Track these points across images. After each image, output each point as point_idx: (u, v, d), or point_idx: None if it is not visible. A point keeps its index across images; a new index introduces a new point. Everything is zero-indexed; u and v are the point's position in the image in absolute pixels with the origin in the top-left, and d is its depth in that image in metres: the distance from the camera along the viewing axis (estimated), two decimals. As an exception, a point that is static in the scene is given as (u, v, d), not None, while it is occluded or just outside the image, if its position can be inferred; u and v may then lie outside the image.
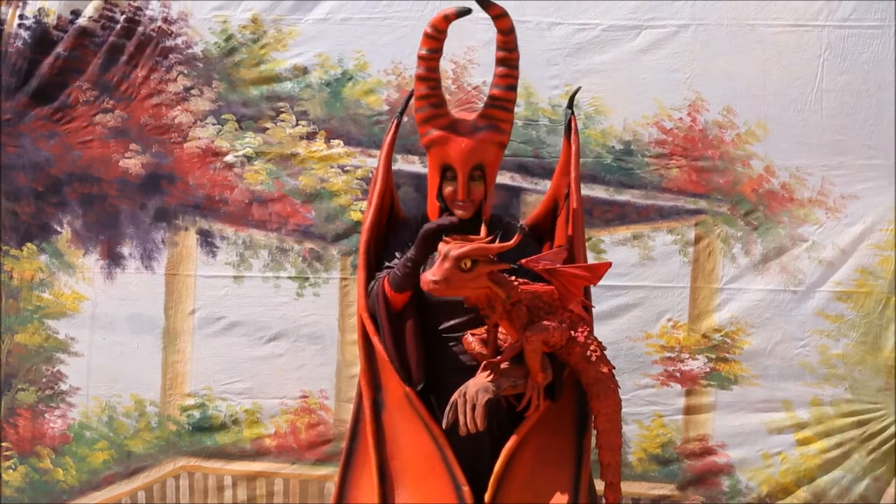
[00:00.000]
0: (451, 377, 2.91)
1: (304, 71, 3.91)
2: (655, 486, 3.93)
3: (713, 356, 3.90)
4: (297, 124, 3.92)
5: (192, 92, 3.92)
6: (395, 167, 3.21)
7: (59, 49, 3.91)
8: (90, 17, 3.91)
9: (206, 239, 3.95)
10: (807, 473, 3.90)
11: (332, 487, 3.79)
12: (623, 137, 3.88)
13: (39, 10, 3.91)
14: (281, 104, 3.92)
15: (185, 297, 3.96)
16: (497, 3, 2.85)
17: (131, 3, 3.91)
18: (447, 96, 3.82)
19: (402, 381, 2.91)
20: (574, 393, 2.98)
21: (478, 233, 2.90)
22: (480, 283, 2.70)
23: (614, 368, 2.90)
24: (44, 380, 3.98)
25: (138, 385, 3.97)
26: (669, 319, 3.90)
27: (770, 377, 3.89)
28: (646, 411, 3.91)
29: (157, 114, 3.93)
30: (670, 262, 3.90)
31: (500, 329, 2.87)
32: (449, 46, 3.74)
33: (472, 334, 2.93)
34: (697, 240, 3.90)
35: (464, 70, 3.86)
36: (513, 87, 2.93)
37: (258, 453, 3.96)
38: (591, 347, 2.85)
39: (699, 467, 3.92)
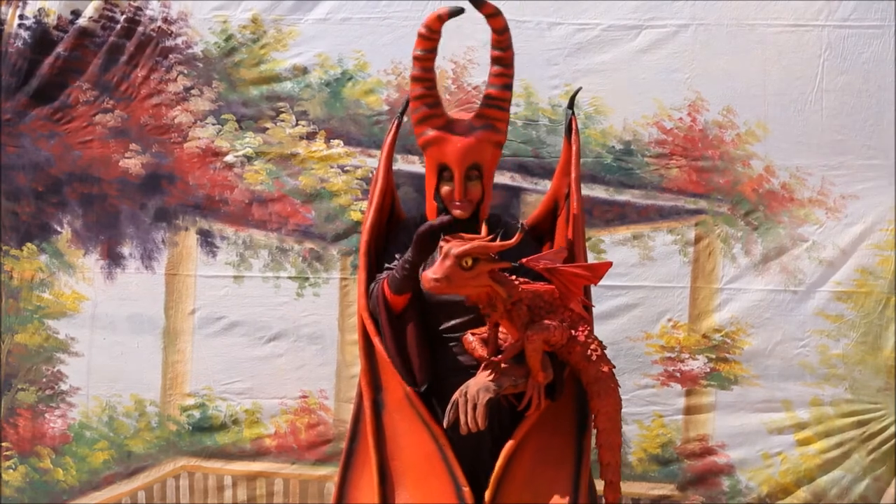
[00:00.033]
0: (452, 377, 2.91)
1: (304, 71, 3.91)
2: (655, 486, 3.93)
3: (713, 356, 3.90)
4: (297, 124, 3.92)
5: (192, 92, 3.92)
6: (395, 167, 3.21)
7: (60, 49, 3.91)
8: (90, 18, 3.91)
9: (206, 239, 3.95)
10: (807, 473, 3.90)
11: (332, 487, 3.79)
12: (623, 137, 3.88)
13: (39, 10, 3.91)
14: (281, 104, 3.92)
15: (185, 297, 3.96)
16: (490, 2, 2.85)
17: (131, 3, 3.91)
18: (447, 96, 3.85)
19: (405, 381, 2.91)
20: (574, 392, 2.98)
21: (476, 233, 2.90)
22: (481, 281, 2.70)
23: (614, 367, 2.90)
24: (44, 380, 3.98)
25: (138, 385, 3.97)
26: (669, 319, 3.90)
27: (770, 377, 3.89)
28: (646, 411, 3.91)
29: (157, 114, 3.93)
30: (670, 262, 3.90)
31: (500, 328, 2.87)
32: (449, 46, 3.77)
33: (473, 334, 2.94)
34: (697, 240, 3.90)
35: (464, 70, 3.86)
36: (508, 87, 2.93)
37: (258, 453, 3.96)
38: (592, 346, 2.85)
39: (699, 467, 3.92)
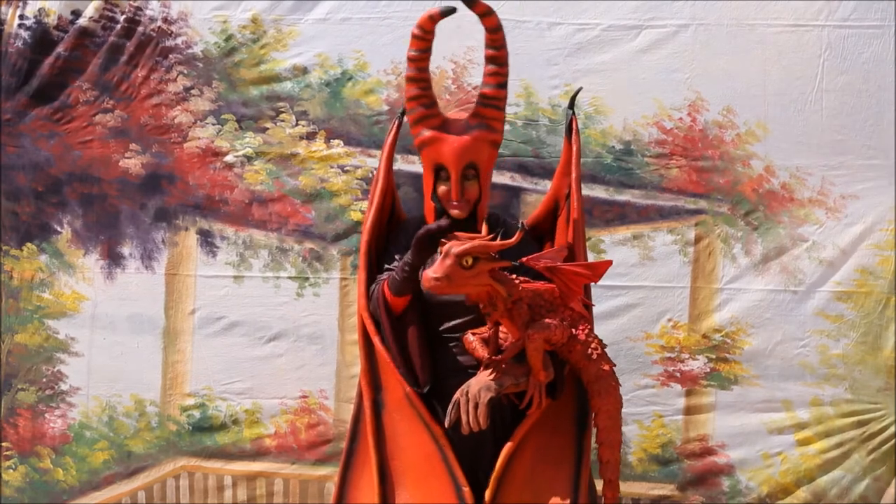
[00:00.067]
0: (452, 378, 2.91)
1: (304, 71, 3.91)
2: (655, 486, 3.93)
3: (713, 356, 3.90)
4: (296, 124, 3.92)
5: (192, 92, 3.92)
6: (395, 167, 3.21)
7: (60, 49, 3.91)
8: (90, 18, 3.91)
9: (206, 239, 3.95)
10: (807, 473, 3.90)
11: (331, 487, 3.79)
12: (623, 137, 3.88)
13: (40, 10, 3.91)
14: (281, 104, 3.92)
15: (185, 297, 3.96)
16: (487, 1, 2.86)
17: (131, 3, 3.91)
18: (447, 96, 3.85)
19: (407, 383, 2.90)
20: (574, 391, 2.98)
21: (475, 232, 2.90)
22: (482, 280, 2.70)
23: (615, 366, 2.90)
24: (44, 380, 3.98)
25: (138, 385, 3.97)
26: (669, 319, 3.90)
27: (770, 377, 3.89)
28: (646, 411, 3.91)
29: (157, 114, 3.93)
30: (670, 262, 3.90)
31: (501, 328, 2.87)
32: (449, 46, 3.77)
33: (473, 333, 2.94)
34: (697, 240, 3.90)
35: (464, 70, 3.86)
36: (503, 85, 2.93)
37: (258, 453, 3.96)
38: (592, 345, 2.85)
39: (699, 467, 3.92)
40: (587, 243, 3.36)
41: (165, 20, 3.92)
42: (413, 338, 2.94)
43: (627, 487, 3.89)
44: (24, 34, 3.91)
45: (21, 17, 3.91)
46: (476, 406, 2.78)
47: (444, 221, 2.79)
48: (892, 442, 3.87)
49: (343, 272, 3.93)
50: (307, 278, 3.93)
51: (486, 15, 2.86)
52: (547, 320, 2.77)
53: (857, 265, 3.86)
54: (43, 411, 3.99)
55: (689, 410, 3.92)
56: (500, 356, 2.83)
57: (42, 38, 3.91)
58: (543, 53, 3.87)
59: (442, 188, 2.95)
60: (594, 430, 2.93)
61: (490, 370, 2.83)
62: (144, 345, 3.97)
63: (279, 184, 3.93)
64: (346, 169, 3.92)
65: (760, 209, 3.88)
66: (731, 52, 3.85)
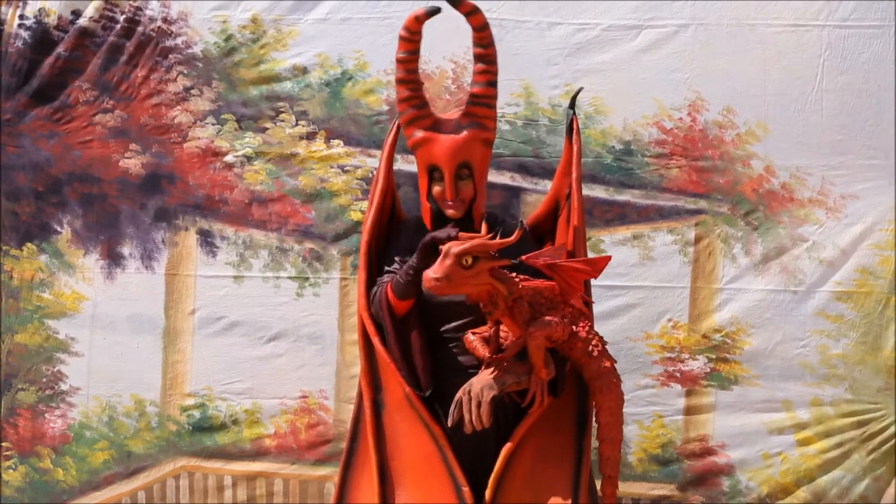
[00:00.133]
0: (452, 378, 2.91)
1: (304, 71, 3.91)
2: (655, 486, 3.93)
3: (713, 356, 3.90)
4: (296, 124, 3.92)
5: (192, 92, 3.93)
6: (395, 167, 3.21)
7: (60, 49, 3.91)
8: (90, 18, 3.91)
9: (206, 239, 3.95)
10: (807, 473, 3.90)
11: (331, 488, 3.80)
12: (623, 137, 3.88)
13: (40, 10, 3.91)
14: (281, 104, 3.92)
15: (185, 297, 3.96)
16: (480, 0, 2.86)
17: (131, 3, 3.91)
18: (447, 96, 3.85)
19: (410, 386, 2.90)
20: (574, 391, 2.98)
21: (471, 232, 2.89)
22: (482, 279, 2.70)
23: (616, 363, 2.90)
24: (44, 380, 3.98)
25: (138, 385, 3.97)
26: (669, 319, 3.90)
27: (770, 377, 3.89)
28: (646, 411, 3.91)
29: (157, 114, 3.93)
30: (670, 262, 3.90)
31: (501, 326, 2.87)
32: (448, 46, 3.77)
33: (474, 333, 2.94)
34: (697, 240, 3.90)
35: (464, 70, 3.86)
36: (493, 83, 2.93)
37: (258, 453, 3.96)
38: (593, 342, 2.85)
39: (699, 467, 3.92)
40: (587, 243, 3.36)
41: (165, 20, 3.92)
42: (415, 340, 2.94)
43: (627, 487, 3.89)
44: (24, 34, 3.91)
45: (21, 17, 3.91)
46: (479, 405, 2.78)
47: (453, 231, 2.78)
48: (892, 442, 3.87)
49: (343, 272, 3.93)
50: (307, 278, 3.93)
51: (472, 14, 2.87)
52: (547, 318, 2.77)
53: (857, 265, 3.86)
54: (43, 411, 3.99)
55: (689, 410, 3.92)
56: (501, 355, 2.83)
57: (42, 38, 3.91)
58: (543, 53, 3.87)
59: (436, 188, 2.96)
60: (595, 427, 2.93)
61: (492, 369, 2.83)
62: (144, 345, 3.97)
63: (279, 184, 3.93)
64: (346, 169, 3.92)
65: (760, 209, 3.88)
66: (731, 52, 3.85)
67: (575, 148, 3.08)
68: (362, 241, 3.06)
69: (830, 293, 3.87)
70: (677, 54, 3.86)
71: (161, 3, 3.91)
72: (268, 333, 3.94)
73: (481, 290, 2.73)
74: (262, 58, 3.92)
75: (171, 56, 3.92)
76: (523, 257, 2.76)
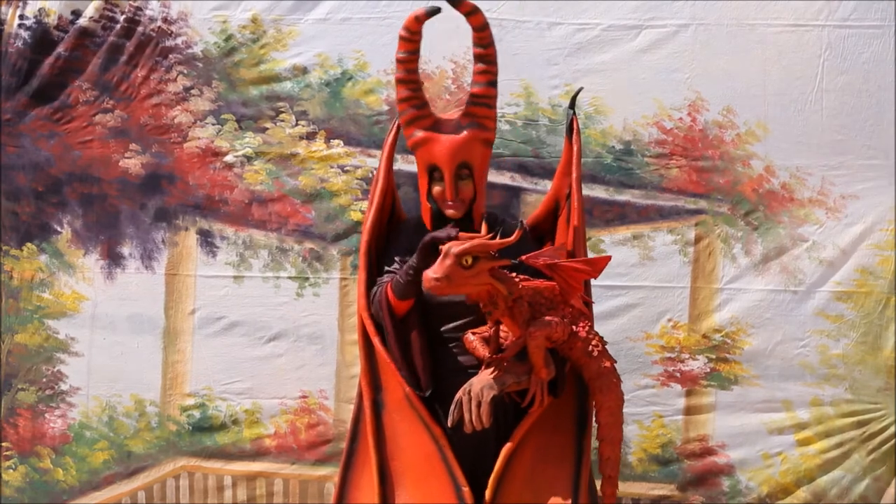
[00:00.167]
0: (452, 378, 2.91)
1: (304, 71, 3.91)
2: (655, 486, 3.93)
3: (713, 356, 3.90)
4: (296, 124, 3.92)
5: (192, 92, 3.93)
6: (395, 167, 3.21)
7: (60, 49, 3.91)
8: (90, 18, 3.91)
9: (206, 239, 3.95)
10: (807, 473, 3.90)
11: (331, 488, 3.80)
12: (623, 137, 3.88)
13: (40, 10, 3.91)
14: (281, 104, 3.92)
15: (185, 297, 3.96)
16: (478, 0, 2.86)
17: (131, 3, 3.91)
18: (447, 96, 3.85)
19: (410, 387, 2.90)
20: (575, 391, 2.98)
21: (472, 231, 2.89)
22: (482, 279, 2.70)
23: (615, 362, 2.90)
24: (44, 380, 3.98)
25: (138, 385, 3.97)
26: (669, 319, 3.90)
27: (770, 377, 3.89)
28: (646, 411, 3.91)
29: (157, 114, 3.93)
30: (670, 262, 3.90)
31: (501, 326, 2.87)
32: (449, 46, 3.77)
33: (474, 333, 2.94)
34: (697, 240, 3.90)
35: (464, 70, 3.86)
36: (493, 83, 2.93)
37: (258, 453, 3.96)
38: (593, 342, 2.85)
39: (699, 467, 3.92)
40: (587, 243, 3.36)
41: (165, 20, 3.92)
42: (415, 340, 2.94)
43: (627, 487, 3.89)
44: (24, 34, 3.91)
45: (21, 17, 3.91)
46: (479, 405, 2.78)
47: (453, 231, 2.78)
48: (892, 442, 3.87)
49: (343, 272, 3.93)
50: (307, 278, 3.93)
51: (472, 14, 2.87)
52: (547, 318, 2.77)
53: (857, 265, 3.86)
54: (43, 411, 3.99)
55: (689, 410, 3.92)
56: (501, 355, 2.84)
57: (42, 38, 3.91)
58: (543, 53, 3.87)
59: (436, 188, 2.96)
60: (595, 427, 2.93)
61: (492, 369, 2.83)
62: (144, 345, 3.97)
63: (279, 184, 3.93)
64: (346, 169, 3.92)
65: (760, 209, 3.88)
66: (731, 52, 3.85)
67: (575, 148, 3.08)
68: (362, 241, 3.06)
69: (830, 293, 3.87)
70: (677, 54, 3.86)
71: (161, 3, 3.91)
72: (268, 333, 3.94)
73: (481, 290, 2.73)
74: (262, 58, 3.92)
75: (171, 56, 3.92)
76: (523, 257, 2.76)
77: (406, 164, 3.79)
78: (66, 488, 3.98)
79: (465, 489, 2.85)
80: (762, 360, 3.88)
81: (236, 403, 3.95)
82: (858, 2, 3.82)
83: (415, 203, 3.13)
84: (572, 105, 3.14)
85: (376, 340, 2.95)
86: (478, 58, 2.92)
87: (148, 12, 3.91)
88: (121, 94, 3.93)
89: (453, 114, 2.99)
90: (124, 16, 3.91)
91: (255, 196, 3.94)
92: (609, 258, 2.85)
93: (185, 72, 3.92)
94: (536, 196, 3.82)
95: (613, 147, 3.89)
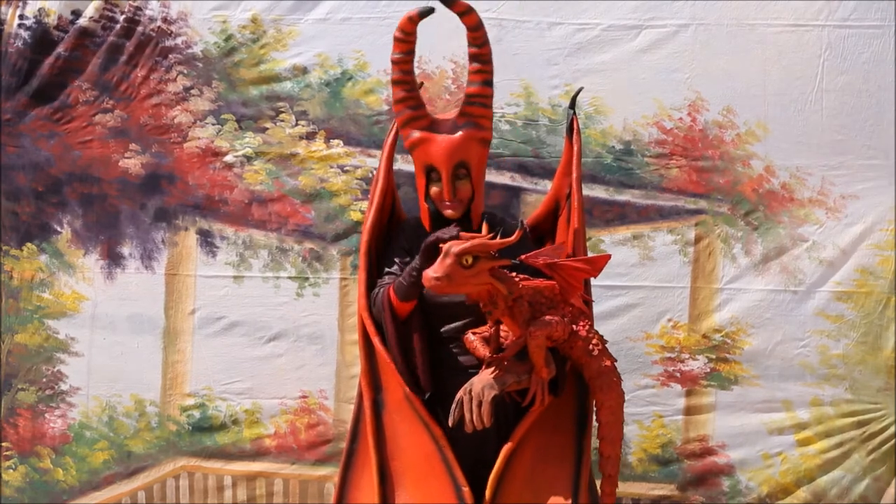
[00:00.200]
0: (453, 378, 2.90)
1: (304, 71, 3.91)
2: (655, 486, 3.93)
3: (713, 356, 3.90)
4: (296, 124, 3.92)
5: (192, 92, 3.93)
6: (395, 167, 3.21)
7: (60, 49, 3.91)
8: (90, 18, 3.91)
9: (206, 239, 3.95)
10: (807, 473, 3.90)
11: (331, 488, 3.81)
12: (623, 137, 3.88)
13: (40, 10, 3.91)
14: (280, 104, 3.92)
15: (185, 297, 3.96)
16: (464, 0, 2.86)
17: (131, 3, 3.91)
18: (447, 96, 3.85)
19: (411, 391, 2.90)
20: (575, 391, 2.98)
21: (470, 231, 2.89)
22: (482, 279, 2.70)
23: (616, 361, 2.90)
24: (44, 380, 3.98)
25: (138, 385, 3.97)
26: (669, 319, 3.90)
27: (770, 377, 3.89)
28: (646, 412, 3.91)
29: (157, 114, 3.93)
30: (670, 262, 3.90)
31: (502, 326, 2.87)
32: (449, 46, 3.77)
33: (474, 333, 2.94)
34: (697, 240, 3.90)
35: (464, 70, 3.83)
36: (488, 83, 2.92)
37: (258, 453, 3.96)
38: (594, 341, 2.86)
39: (699, 468, 3.92)
40: (587, 243, 3.36)
41: (165, 20, 3.92)
42: (416, 342, 2.94)
43: (627, 487, 3.89)
44: (24, 34, 3.91)
45: (21, 17, 3.91)
46: (480, 404, 2.78)
47: (454, 230, 2.78)
48: (892, 442, 3.87)
49: (343, 272, 3.93)
50: (307, 278, 3.93)
51: (466, 14, 2.86)
52: (548, 317, 2.77)
53: (857, 265, 3.86)
54: (43, 411, 3.99)
55: (689, 410, 3.92)
56: (501, 354, 2.84)
57: (42, 38, 3.91)
58: (543, 53, 3.87)
59: (434, 189, 2.95)
60: (596, 426, 2.93)
61: (492, 368, 2.83)
62: (144, 345, 3.97)
63: (279, 184, 3.93)
64: (345, 169, 3.92)
65: (760, 209, 3.88)
66: (731, 52, 3.85)
67: (575, 148, 3.08)
68: (362, 241, 3.06)
69: (830, 293, 3.87)
70: (677, 54, 3.86)
71: (161, 3, 3.91)
72: (268, 333, 3.94)
73: (481, 289, 2.73)
74: (262, 58, 3.92)
75: (171, 56, 3.92)
76: (523, 256, 2.76)
77: (406, 164, 3.79)
78: (66, 488, 3.98)
79: (465, 489, 2.85)
80: (762, 360, 3.88)
81: (236, 403, 3.95)
82: (858, 2, 3.82)
83: (415, 203, 3.13)
84: (572, 105, 3.14)
85: (377, 340, 2.95)
86: (473, 57, 2.91)
87: (148, 12, 3.91)
88: (121, 94, 3.93)
89: (450, 114, 2.99)
90: (124, 16, 3.91)
91: (254, 196, 3.94)
92: (609, 257, 2.85)
93: (185, 72, 3.92)
94: (536, 196, 3.82)
95: (613, 147, 3.89)
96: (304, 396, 3.95)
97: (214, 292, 3.95)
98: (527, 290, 2.77)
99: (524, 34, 3.85)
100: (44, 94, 3.93)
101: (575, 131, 3.09)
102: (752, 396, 3.89)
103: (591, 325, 2.89)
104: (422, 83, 3.39)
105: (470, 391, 2.80)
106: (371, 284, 3.01)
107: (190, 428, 3.97)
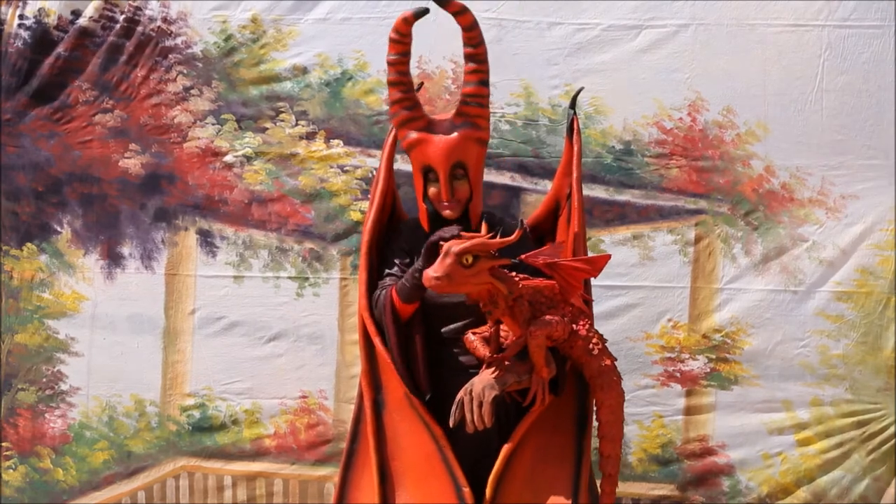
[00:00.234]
0: (453, 378, 2.90)
1: (304, 71, 3.91)
2: (655, 486, 3.93)
3: (713, 356, 3.90)
4: (296, 124, 3.92)
5: (192, 92, 3.93)
6: (395, 167, 3.21)
7: (60, 49, 3.91)
8: (90, 17, 3.91)
9: (206, 239, 3.95)
10: (807, 473, 3.90)
11: (331, 488, 3.81)
12: (623, 137, 3.88)
13: (39, 10, 3.91)
14: (280, 104, 3.92)
15: (185, 297, 3.96)
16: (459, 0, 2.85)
17: (131, 3, 3.91)
18: (447, 96, 3.86)
19: (411, 393, 2.90)
20: (575, 391, 2.98)
21: (469, 231, 2.89)
22: (482, 278, 2.70)
23: (616, 360, 2.90)
24: (44, 380, 3.98)
25: (138, 385, 3.97)
26: (669, 320, 3.90)
27: (770, 377, 3.89)
28: (646, 412, 3.91)
29: (157, 114, 3.93)
30: (670, 262, 3.90)
31: (502, 326, 2.87)
32: (449, 46, 3.77)
33: (474, 333, 2.94)
34: (697, 240, 3.90)
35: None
36: (484, 83, 2.92)
37: (258, 453, 3.96)
38: (594, 340, 2.86)
39: (699, 468, 3.92)
40: (587, 243, 3.36)
41: (165, 20, 3.92)
42: (417, 344, 2.93)
43: (627, 487, 3.89)
44: (24, 34, 3.91)
45: (21, 17, 3.91)
46: (480, 405, 2.78)
47: (455, 230, 2.78)
48: (892, 442, 3.87)
49: (343, 272, 3.93)
50: (307, 278, 3.93)
51: (461, 13, 2.86)
52: (548, 317, 2.77)
53: (857, 265, 3.86)
54: (43, 411, 3.99)
55: (689, 410, 3.92)
56: (502, 354, 2.84)
57: (42, 38, 3.91)
58: (543, 53, 3.87)
59: (432, 189, 2.95)
60: (596, 425, 2.93)
61: (493, 368, 2.83)
62: (144, 345, 3.97)
63: (279, 184, 3.93)
64: (345, 169, 3.92)
65: (760, 209, 3.88)
66: (731, 52, 3.85)
67: (576, 148, 3.08)
68: (363, 241, 3.05)
69: (830, 293, 3.87)
70: (677, 54, 3.86)
71: (161, 3, 3.91)
72: (268, 333, 3.94)
73: (481, 289, 2.73)
74: (262, 58, 3.92)
75: (170, 56, 3.92)
76: (522, 256, 2.76)
77: (406, 164, 3.77)
78: (66, 488, 3.98)
79: (466, 489, 2.85)
80: (762, 360, 3.88)
81: (236, 403, 3.95)
82: (858, 2, 3.82)
83: (415, 203, 3.13)
84: (573, 105, 3.14)
85: (377, 340, 2.95)
86: (468, 57, 2.90)
87: (148, 12, 3.91)
88: (120, 94, 3.93)
89: (446, 114, 2.99)
90: (124, 16, 3.91)
91: (254, 196, 3.94)
92: (608, 257, 2.85)
93: (185, 72, 3.92)
94: (536, 196, 3.82)
95: (613, 147, 3.89)
96: (304, 396, 3.95)
97: (214, 292, 3.95)
98: (527, 290, 2.77)
99: (524, 34, 3.85)
100: (44, 94, 3.93)
101: (575, 131, 3.09)
102: (752, 396, 3.89)
103: (591, 325, 2.89)
104: (422, 83, 3.40)
105: (470, 392, 2.80)
106: (372, 284, 3.01)
107: (190, 428, 3.97)
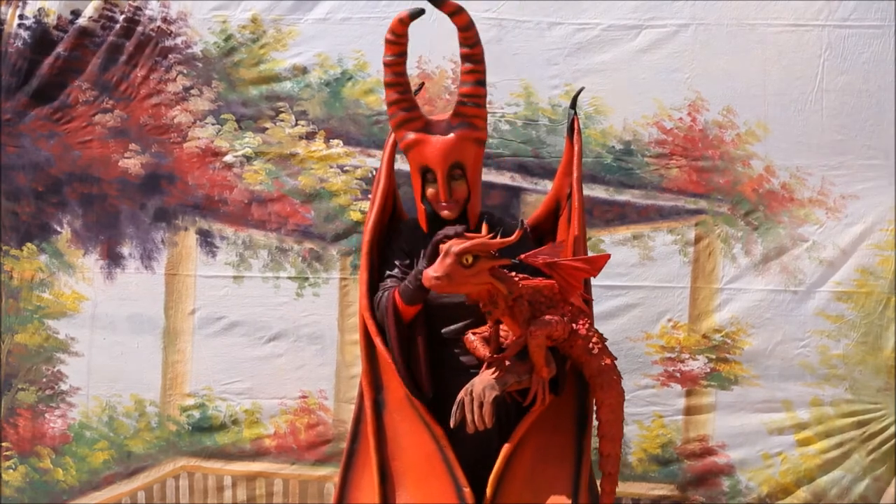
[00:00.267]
0: (454, 378, 2.90)
1: (304, 71, 3.91)
2: (655, 486, 3.93)
3: (713, 356, 3.90)
4: (296, 124, 3.92)
5: (192, 92, 3.92)
6: (396, 167, 3.21)
7: (59, 49, 3.91)
8: (90, 17, 3.91)
9: (206, 239, 3.95)
10: (807, 473, 3.89)
11: (331, 488, 3.81)
12: (623, 137, 3.88)
13: (39, 10, 3.91)
14: (280, 104, 3.92)
15: (185, 297, 3.96)
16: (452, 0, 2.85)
17: (131, 3, 3.91)
18: (447, 96, 3.85)
19: (412, 394, 2.90)
20: (574, 391, 2.98)
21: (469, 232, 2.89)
22: (482, 278, 2.70)
23: (616, 359, 2.90)
24: (44, 380, 3.98)
25: (138, 385, 3.97)
26: (669, 320, 3.90)
27: (770, 377, 3.89)
28: (646, 412, 3.91)
29: (157, 114, 3.93)
30: (670, 262, 3.90)
31: (502, 326, 2.87)
32: (448, 46, 3.76)
33: (474, 333, 2.94)
34: (697, 240, 3.90)
35: (464, 70, 3.85)
36: (481, 83, 2.91)
37: (258, 453, 3.96)
38: (593, 340, 2.86)
39: (699, 468, 3.92)
40: (587, 244, 3.36)
41: (165, 20, 3.92)
42: (421, 347, 2.93)
43: (627, 487, 3.89)
44: (24, 34, 3.91)
45: (21, 17, 3.91)
46: (481, 405, 2.78)
47: (460, 228, 2.78)
48: (892, 442, 3.87)
49: (343, 272, 3.93)
50: (307, 278, 3.93)
51: (456, 14, 2.85)
52: (548, 317, 2.77)
53: (858, 265, 3.86)
54: (43, 411, 3.99)
55: (689, 410, 3.92)
56: (502, 354, 2.83)
57: (42, 38, 3.91)
58: (543, 53, 3.87)
59: (430, 190, 2.95)
60: (596, 424, 2.93)
61: (493, 369, 2.83)
62: (144, 345, 3.97)
63: (279, 184, 3.93)
64: (345, 169, 3.92)
65: (760, 209, 3.88)
66: (731, 52, 3.85)
67: (576, 148, 3.08)
68: (364, 241, 3.05)
69: (830, 293, 3.87)
70: (677, 54, 3.86)
71: (161, 3, 3.91)
72: (268, 333, 3.94)
73: (481, 289, 2.73)
74: (261, 58, 3.92)
75: (170, 56, 3.92)
76: (522, 256, 2.76)
77: (406, 164, 3.79)
78: (66, 488, 3.98)
79: (466, 489, 2.85)
80: (762, 360, 3.88)
81: (236, 403, 3.95)
82: (858, 2, 3.82)
83: (415, 203, 3.13)
84: (573, 105, 3.14)
85: (378, 341, 2.95)
86: (465, 57, 2.90)
87: (147, 12, 3.91)
88: (120, 94, 3.93)
89: (444, 115, 2.99)
90: (124, 16, 3.91)
91: (254, 196, 3.94)
92: (608, 256, 2.85)
93: (185, 72, 3.92)
94: (536, 196, 3.82)
95: (613, 147, 3.88)
96: (304, 396, 3.94)
97: (214, 292, 3.95)
98: (527, 290, 2.77)
99: (524, 34, 3.85)
100: (44, 94, 3.93)
101: (576, 131, 3.09)
102: (752, 396, 3.89)
103: (591, 324, 2.89)
104: (422, 83, 3.39)
105: (471, 392, 2.80)
106: (373, 284, 3.01)
107: (190, 428, 3.96)
